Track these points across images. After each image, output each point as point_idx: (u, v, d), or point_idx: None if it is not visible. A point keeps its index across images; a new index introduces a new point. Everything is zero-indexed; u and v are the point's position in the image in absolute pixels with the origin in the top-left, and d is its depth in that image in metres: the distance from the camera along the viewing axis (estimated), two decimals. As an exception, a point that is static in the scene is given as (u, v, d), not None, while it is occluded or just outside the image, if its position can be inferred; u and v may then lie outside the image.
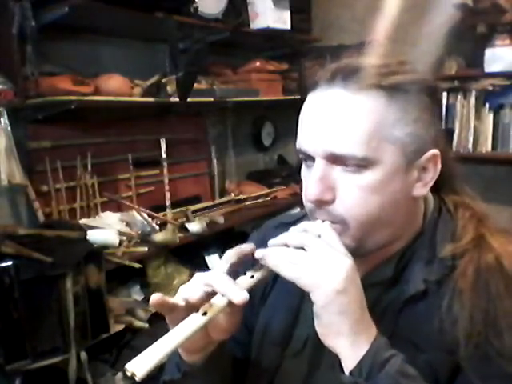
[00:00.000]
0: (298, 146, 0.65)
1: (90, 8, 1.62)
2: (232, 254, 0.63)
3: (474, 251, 0.63)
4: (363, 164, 0.60)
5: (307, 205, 0.65)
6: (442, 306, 0.61)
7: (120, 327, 1.71)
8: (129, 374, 0.49)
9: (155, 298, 0.57)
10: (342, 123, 0.60)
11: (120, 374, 1.71)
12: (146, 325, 1.76)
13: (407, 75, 0.62)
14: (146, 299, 1.93)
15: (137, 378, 0.48)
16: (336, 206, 0.62)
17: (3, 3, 1.54)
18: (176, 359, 0.67)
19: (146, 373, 0.49)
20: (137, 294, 1.93)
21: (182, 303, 0.59)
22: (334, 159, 0.61)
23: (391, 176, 0.61)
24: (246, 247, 0.64)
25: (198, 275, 0.61)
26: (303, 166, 0.67)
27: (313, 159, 0.63)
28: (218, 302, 0.56)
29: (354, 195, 0.61)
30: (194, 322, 0.54)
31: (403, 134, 0.61)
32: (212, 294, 0.58)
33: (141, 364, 0.49)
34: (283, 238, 0.60)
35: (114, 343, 1.73)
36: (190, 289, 0.59)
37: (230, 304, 0.56)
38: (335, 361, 0.58)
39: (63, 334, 1.42)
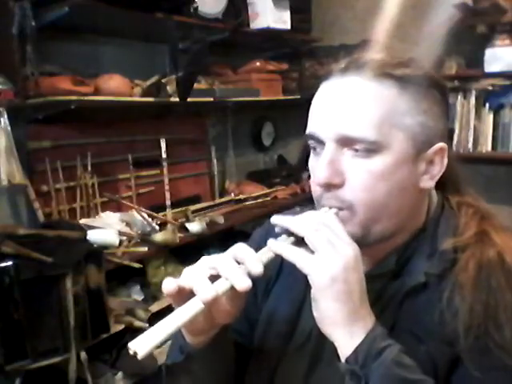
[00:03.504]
0: (308, 131, 0.66)
1: (90, 8, 1.62)
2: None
3: (475, 246, 0.64)
4: (373, 148, 0.61)
5: (315, 189, 0.66)
6: (442, 298, 0.61)
7: (120, 327, 1.70)
8: (131, 353, 0.50)
9: (170, 286, 0.57)
10: (354, 107, 0.61)
11: (120, 374, 1.72)
12: (146, 325, 1.75)
13: (419, 70, 0.64)
14: (146, 299, 1.93)
15: (138, 357, 0.50)
16: (344, 190, 0.62)
17: (3, 3, 1.53)
18: (179, 342, 0.67)
19: (148, 352, 0.50)
20: (137, 294, 1.93)
21: (187, 286, 0.59)
22: (345, 142, 0.62)
23: (400, 163, 0.62)
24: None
25: (205, 258, 0.61)
26: (311, 155, 0.68)
27: (322, 145, 0.64)
28: (221, 285, 0.56)
29: (363, 180, 0.61)
30: (196, 304, 0.55)
31: (414, 122, 0.62)
32: (216, 276, 0.57)
33: (143, 343, 0.50)
34: (288, 222, 0.60)
35: (114, 343, 1.73)
36: (195, 271, 0.59)
37: (233, 288, 0.56)
38: (336, 355, 0.58)
39: (63, 334, 1.42)
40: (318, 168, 0.63)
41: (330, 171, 0.62)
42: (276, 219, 0.61)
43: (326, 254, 0.56)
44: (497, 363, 0.59)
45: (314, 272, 0.56)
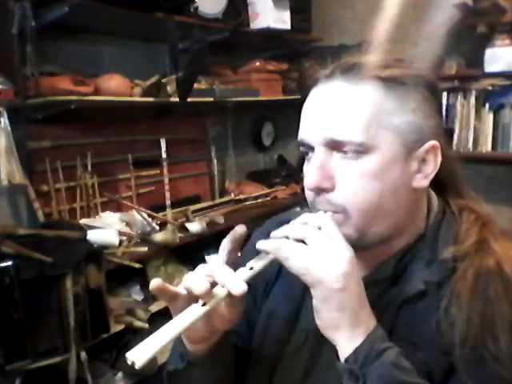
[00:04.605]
0: (299, 138, 0.67)
1: (90, 8, 1.62)
2: (226, 241, 0.65)
3: (475, 255, 0.63)
4: (361, 150, 0.61)
5: (308, 194, 0.66)
6: (440, 307, 0.61)
7: (120, 327, 1.71)
8: (129, 363, 0.50)
9: (155, 283, 0.59)
10: (340, 110, 0.61)
11: (120, 374, 1.72)
12: (146, 325, 1.76)
13: (405, 69, 0.64)
14: (146, 299, 1.93)
15: (136, 366, 0.50)
16: (336, 194, 0.62)
17: (3, 3, 1.53)
18: (180, 349, 0.67)
19: (146, 361, 0.50)
20: (137, 294, 1.93)
21: (183, 292, 0.60)
22: (333, 146, 0.62)
23: (390, 163, 0.62)
24: (237, 230, 0.65)
25: (201, 266, 0.61)
26: (305, 162, 0.68)
27: (313, 150, 0.64)
28: (218, 292, 0.57)
29: (353, 182, 0.61)
30: (194, 312, 0.55)
31: (401, 122, 0.62)
32: (213, 284, 0.58)
33: (140, 353, 0.51)
34: (284, 230, 0.61)
35: (114, 343, 1.73)
36: (193, 279, 0.59)
37: (230, 295, 0.56)
38: (334, 359, 0.58)
39: (63, 334, 1.42)
40: (309, 173, 0.63)
41: (319, 176, 0.62)
42: (274, 234, 0.61)
43: (325, 265, 0.56)
44: (492, 375, 0.58)
45: (316, 286, 0.56)
